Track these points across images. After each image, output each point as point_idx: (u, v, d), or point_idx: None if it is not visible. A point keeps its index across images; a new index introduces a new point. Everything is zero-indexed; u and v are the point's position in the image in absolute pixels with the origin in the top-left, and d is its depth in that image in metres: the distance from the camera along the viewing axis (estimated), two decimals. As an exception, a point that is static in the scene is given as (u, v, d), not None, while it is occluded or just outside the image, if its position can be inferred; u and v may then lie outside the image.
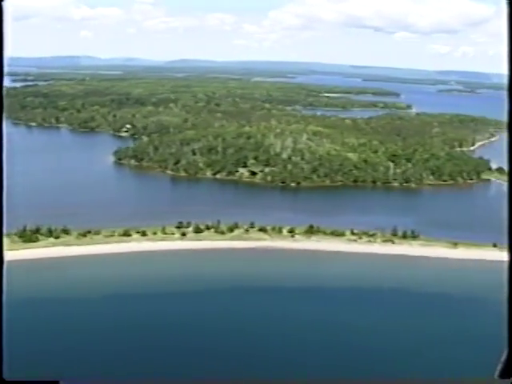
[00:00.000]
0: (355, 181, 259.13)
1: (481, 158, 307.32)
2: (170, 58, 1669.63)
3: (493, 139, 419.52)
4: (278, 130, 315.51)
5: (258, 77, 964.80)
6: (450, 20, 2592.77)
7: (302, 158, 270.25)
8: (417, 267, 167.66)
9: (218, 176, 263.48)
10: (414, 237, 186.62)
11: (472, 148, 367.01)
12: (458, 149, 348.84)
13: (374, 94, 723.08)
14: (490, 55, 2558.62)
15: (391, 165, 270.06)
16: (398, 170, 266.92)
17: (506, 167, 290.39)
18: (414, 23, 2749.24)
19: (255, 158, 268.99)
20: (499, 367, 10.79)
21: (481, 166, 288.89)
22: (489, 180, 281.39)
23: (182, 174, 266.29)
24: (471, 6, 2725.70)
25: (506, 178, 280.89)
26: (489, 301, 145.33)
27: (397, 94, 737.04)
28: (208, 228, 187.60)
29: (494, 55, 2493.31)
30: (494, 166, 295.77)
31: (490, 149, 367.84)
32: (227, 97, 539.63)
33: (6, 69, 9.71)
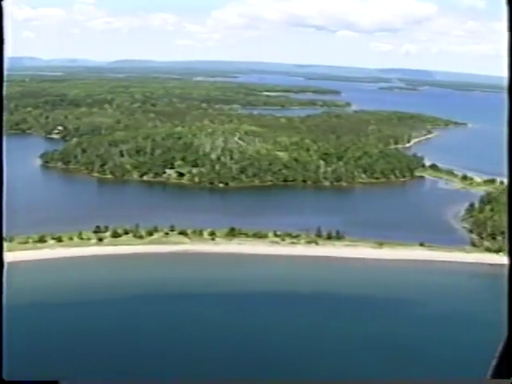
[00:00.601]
0: (285, 180, 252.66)
1: (414, 155, 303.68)
2: (112, 59, 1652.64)
3: (430, 136, 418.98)
4: (210, 130, 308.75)
5: (199, 77, 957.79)
6: (392, 18, 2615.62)
7: (231, 158, 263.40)
8: (339, 269, 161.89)
9: (144, 178, 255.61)
10: (339, 237, 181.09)
11: (408, 145, 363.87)
12: (394, 146, 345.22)
13: (314, 92, 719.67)
14: (433, 53, 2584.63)
15: (322, 163, 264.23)
16: (329, 169, 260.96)
17: (440, 164, 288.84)
18: (357, 22, 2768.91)
19: (183, 159, 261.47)
20: (492, 367, 9.76)
21: (414, 163, 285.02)
22: (422, 177, 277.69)
23: (109, 176, 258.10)
24: (413, 5, 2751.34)
25: (439, 174, 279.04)
26: (411, 302, 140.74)
27: (337, 92, 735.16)
28: (126, 232, 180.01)
29: (437, 53, 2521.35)
30: (427, 162, 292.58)
31: (426, 146, 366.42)
32: (165, 97, 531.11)
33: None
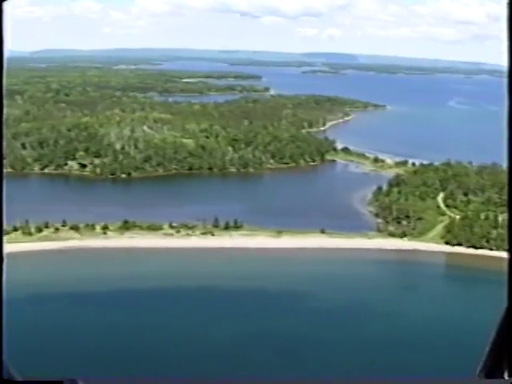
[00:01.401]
0: (190, 169, 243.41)
1: (326, 139, 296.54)
2: (35, 49, 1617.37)
3: (347, 118, 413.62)
4: (118, 119, 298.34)
5: (122, 65, 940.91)
6: (316, 3, 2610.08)
7: (136, 148, 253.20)
8: (232, 261, 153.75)
9: (46, 171, 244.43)
10: (238, 227, 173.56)
11: (323, 128, 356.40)
12: (308, 130, 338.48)
13: (235, 77, 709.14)
14: (358, 36, 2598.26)
15: (230, 150, 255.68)
16: (236, 155, 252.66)
17: (353, 147, 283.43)
18: (281, 7, 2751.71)
19: (86, 150, 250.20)
20: (481, 366, 9.09)
21: (325, 147, 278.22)
22: (334, 161, 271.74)
23: (9, 170, 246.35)
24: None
25: (351, 157, 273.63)
26: (305, 295, 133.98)
27: (259, 77, 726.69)
28: (16, 229, 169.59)
29: (361, 37, 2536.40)
30: (340, 146, 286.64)
31: (341, 129, 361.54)
32: (81, 86, 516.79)
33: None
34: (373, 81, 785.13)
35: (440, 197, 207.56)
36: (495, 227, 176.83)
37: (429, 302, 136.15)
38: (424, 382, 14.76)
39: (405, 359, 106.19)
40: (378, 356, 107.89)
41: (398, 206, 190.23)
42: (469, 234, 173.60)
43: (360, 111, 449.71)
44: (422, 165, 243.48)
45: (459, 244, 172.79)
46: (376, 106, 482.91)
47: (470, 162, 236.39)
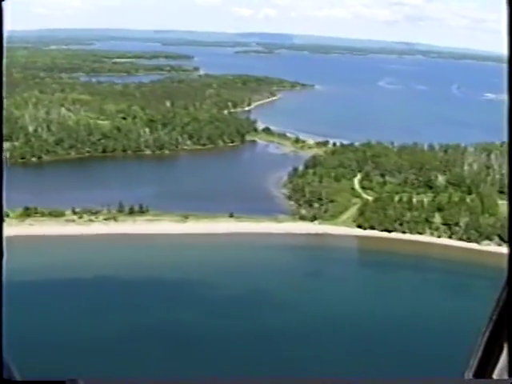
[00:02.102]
0: (104, 151, 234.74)
1: (247, 119, 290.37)
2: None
3: (273, 98, 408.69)
4: (34, 100, 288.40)
5: (53, 45, 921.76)
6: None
7: (49, 130, 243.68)
8: (133, 248, 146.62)
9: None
10: (143, 212, 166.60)
11: (247, 108, 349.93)
12: (233, 110, 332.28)
13: (166, 57, 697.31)
14: (293, 17, 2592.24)
15: (147, 131, 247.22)
16: (151, 137, 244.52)
17: (275, 127, 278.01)
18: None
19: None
20: (472, 365, 8.91)
21: (246, 128, 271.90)
22: (254, 142, 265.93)
23: None
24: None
25: (272, 138, 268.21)
26: (203, 284, 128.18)
27: (190, 57, 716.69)
28: None
29: (296, 17, 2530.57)
30: (261, 126, 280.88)
31: (267, 109, 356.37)
32: (7, 67, 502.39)
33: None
34: (305, 61, 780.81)
35: (356, 178, 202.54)
36: (409, 209, 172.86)
37: (334, 289, 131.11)
38: (423, 382, 13.11)
39: (290, 352, 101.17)
40: (263, 348, 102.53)
41: (310, 189, 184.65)
42: (382, 217, 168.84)
43: (287, 91, 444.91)
44: (341, 145, 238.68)
45: (372, 227, 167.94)
46: (304, 85, 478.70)
47: (392, 143, 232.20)
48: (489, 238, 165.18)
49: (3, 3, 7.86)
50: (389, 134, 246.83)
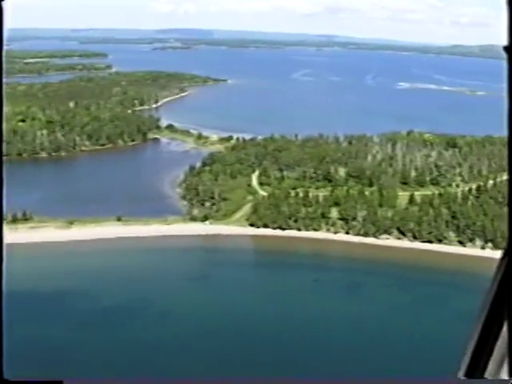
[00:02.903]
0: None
1: (150, 117, 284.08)
2: None
3: (183, 94, 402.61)
4: None
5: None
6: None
7: None
8: (9, 258, 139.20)
9: None
10: (26, 219, 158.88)
11: (155, 106, 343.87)
12: (140, 108, 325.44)
13: (80, 56, 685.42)
14: (212, 12, 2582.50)
15: (44, 133, 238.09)
16: (48, 139, 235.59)
17: (179, 123, 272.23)
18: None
19: None
20: (464, 366, 8.89)
21: (148, 125, 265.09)
22: (157, 139, 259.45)
23: None
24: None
25: (175, 135, 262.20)
26: (75, 294, 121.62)
27: (104, 55, 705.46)
28: None
29: (215, 12, 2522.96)
30: (165, 123, 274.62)
31: (174, 106, 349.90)
32: None
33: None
34: (221, 55, 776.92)
35: (254, 174, 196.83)
36: (304, 205, 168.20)
37: (220, 294, 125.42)
38: (422, 383, 13.77)
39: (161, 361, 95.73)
40: (131, 359, 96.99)
41: (204, 187, 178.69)
42: (275, 214, 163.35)
43: (199, 86, 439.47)
44: (243, 140, 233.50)
45: (265, 225, 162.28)
46: (216, 80, 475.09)
47: (296, 135, 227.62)
48: (387, 232, 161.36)
49: (3, 3, 7.86)
50: (296, 126, 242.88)
